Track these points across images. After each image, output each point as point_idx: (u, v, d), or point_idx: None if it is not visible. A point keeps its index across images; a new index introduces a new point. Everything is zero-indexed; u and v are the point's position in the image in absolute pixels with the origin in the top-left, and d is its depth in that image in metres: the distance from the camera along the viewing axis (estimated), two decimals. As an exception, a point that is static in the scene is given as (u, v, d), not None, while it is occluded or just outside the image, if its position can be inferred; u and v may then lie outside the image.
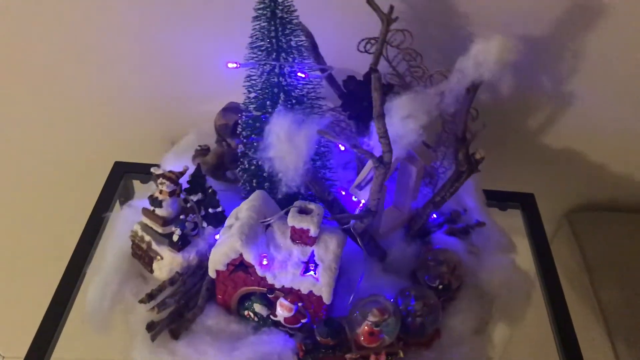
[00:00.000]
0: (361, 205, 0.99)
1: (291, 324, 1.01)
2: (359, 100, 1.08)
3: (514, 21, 1.26)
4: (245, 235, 0.94)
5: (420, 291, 1.02)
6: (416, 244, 1.15)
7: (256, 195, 1.00)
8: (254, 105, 1.02)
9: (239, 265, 0.98)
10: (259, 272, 0.96)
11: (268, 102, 0.99)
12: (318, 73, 1.01)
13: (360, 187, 1.00)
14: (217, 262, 0.98)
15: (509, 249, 1.20)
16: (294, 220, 0.93)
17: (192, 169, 1.13)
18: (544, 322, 1.16)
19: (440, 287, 1.08)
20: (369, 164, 1.03)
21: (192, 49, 1.32)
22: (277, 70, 0.96)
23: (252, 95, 1.01)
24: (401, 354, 0.97)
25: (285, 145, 0.89)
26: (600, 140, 1.46)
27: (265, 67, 0.96)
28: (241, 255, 0.96)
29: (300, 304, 0.99)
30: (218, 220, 1.13)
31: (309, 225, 0.93)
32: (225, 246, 0.96)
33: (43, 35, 1.30)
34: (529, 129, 1.45)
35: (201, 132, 1.39)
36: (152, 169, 1.14)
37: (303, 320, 1.01)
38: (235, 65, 0.95)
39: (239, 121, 1.08)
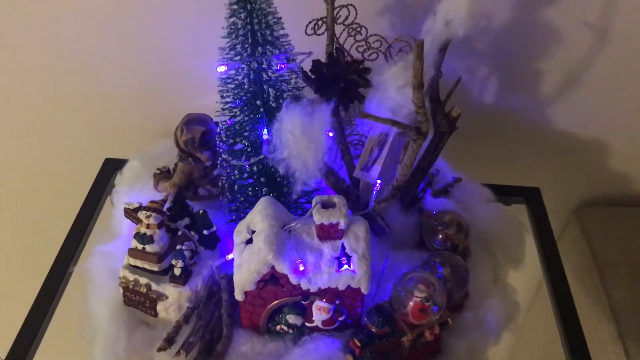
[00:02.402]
0: (377, 185, 0.96)
1: (329, 326, 0.97)
2: (334, 83, 1.04)
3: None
4: (275, 246, 0.87)
5: (444, 257, 1.02)
6: (413, 214, 1.15)
7: (264, 203, 0.93)
8: (238, 110, 0.94)
9: (269, 280, 0.91)
10: (294, 280, 0.90)
11: (259, 102, 0.92)
12: (295, 62, 0.95)
13: (367, 168, 0.97)
14: (245, 282, 0.90)
15: (491, 197, 1.24)
16: (322, 216, 0.88)
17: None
18: (551, 323, 1.09)
19: (451, 248, 1.09)
20: (368, 143, 1.00)
21: (183, 45, 1.26)
22: (264, 65, 0.89)
23: (237, 98, 0.93)
24: (450, 322, 0.96)
25: (302, 140, 0.83)
26: (610, 132, 1.38)
27: (252, 64, 0.89)
28: (273, 268, 0.89)
29: (337, 302, 0.94)
30: (213, 241, 1.05)
31: (339, 218, 0.89)
32: (254, 263, 0.88)
33: (32, 31, 1.26)
34: (535, 120, 1.36)
35: (143, 155, 1.28)
36: (125, 205, 1.03)
37: (340, 319, 0.96)
38: (225, 68, 0.87)
39: (219, 129, 1.00)
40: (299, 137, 0.82)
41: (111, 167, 1.31)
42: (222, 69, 0.88)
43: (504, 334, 1.04)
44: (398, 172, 0.99)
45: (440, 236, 1.09)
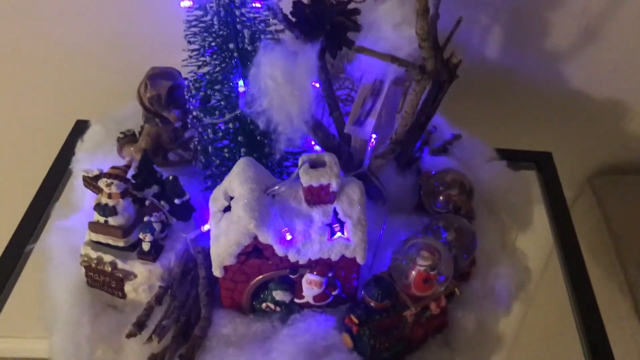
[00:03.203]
0: (373, 141, 0.84)
1: (321, 301, 0.86)
2: (318, 26, 0.91)
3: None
4: (257, 213, 0.75)
5: (448, 220, 0.91)
6: (410, 174, 1.03)
7: (243, 164, 0.81)
8: (208, 57, 0.81)
9: (252, 252, 0.79)
10: (280, 251, 0.78)
11: (232, 45, 0.79)
12: None
13: (360, 122, 0.85)
14: (224, 256, 0.78)
15: (493, 155, 1.12)
16: (311, 177, 0.76)
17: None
18: (564, 299, 1.00)
19: (453, 211, 0.98)
20: (361, 93, 0.88)
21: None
22: (236, 1, 0.76)
23: (206, 44, 0.80)
24: (458, 292, 0.85)
25: (285, 87, 0.71)
26: (629, 93, 1.26)
27: (221, 1, 0.75)
28: (255, 238, 0.77)
29: (330, 274, 0.83)
30: (187, 212, 0.92)
31: (330, 179, 0.76)
32: (233, 233, 0.76)
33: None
34: (546, 79, 1.24)
35: (107, 119, 1.15)
36: (83, 173, 0.90)
37: (334, 293, 0.85)
38: (189, 3, 0.74)
39: (187, 82, 0.87)
40: (280, 84, 0.70)
41: (83, 129, 1.17)
42: (186, 3, 0.74)
43: (514, 304, 0.94)
44: (397, 123, 0.86)
45: (441, 198, 0.98)
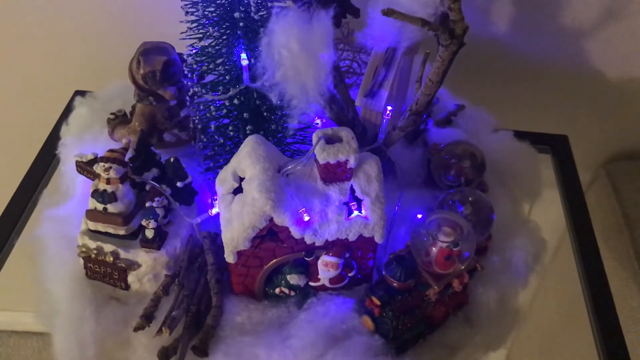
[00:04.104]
0: (388, 113, 0.79)
1: (337, 283, 0.82)
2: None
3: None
4: (274, 193, 0.71)
5: (463, 194, 0.88)
6: (418, 148, 0.99)
7: (253, 143, 0.76)
8: (210, 28, 0.75)
9: (266, 235, 0.75)
10: (297, 233, 0.74)
11: (237, 14, 0.73)
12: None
13: (372, 94, 0.80)
14: (239, 240, 0.74)
15: (498, 125, 1.09)
16: (328, 154, 0.72)
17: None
18: (576, 288, 0.96)
19: (465, 184, 0.95)
20: (372, 62, 0.83)
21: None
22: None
23: (208, 14, 0.74)
24: (480, 268, 0.82)
25: (301, 57, 0.65)
26: None
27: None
28: (271, 220, 0.72)
29: (346, 255, 0.79)
30: (190, 195, 0.87)
31: (348, 154, 0.72)
32: (248, 216, 0.72)
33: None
34: (562, 58, 1.18)
35: (91, 100, 1.09)
36: (76, 158, 0.84)
37: (350, 274, 0.82)
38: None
39: (186, 56, 0.81)
40: (296, 53, 0.65)
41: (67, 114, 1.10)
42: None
43: (530, 277, 0.91)
44: (419, 93, 0.81)
45: (453, 171, 0.94)
